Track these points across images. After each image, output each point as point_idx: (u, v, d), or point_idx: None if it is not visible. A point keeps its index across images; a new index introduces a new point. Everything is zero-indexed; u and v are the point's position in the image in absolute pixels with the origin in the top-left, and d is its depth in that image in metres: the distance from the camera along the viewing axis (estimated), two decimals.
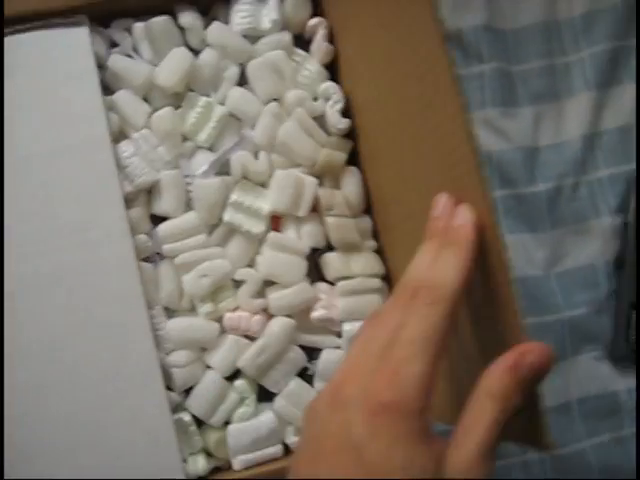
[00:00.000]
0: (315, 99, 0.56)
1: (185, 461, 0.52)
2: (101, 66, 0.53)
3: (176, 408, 0.52)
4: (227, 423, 0.53)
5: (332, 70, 0.57)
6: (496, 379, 0.36)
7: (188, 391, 0.53)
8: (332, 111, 0.54)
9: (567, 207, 0.67)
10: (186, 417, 0.52)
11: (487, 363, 0.36)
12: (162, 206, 0.53)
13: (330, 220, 0.54)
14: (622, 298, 0.66)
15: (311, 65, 0.56)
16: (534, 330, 0.64)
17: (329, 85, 0.55)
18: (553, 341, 0.66)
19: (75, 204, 0.51)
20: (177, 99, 0.55)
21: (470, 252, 0.38)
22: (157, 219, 0.54)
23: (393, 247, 0.55)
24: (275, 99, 0.55)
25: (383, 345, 0.36)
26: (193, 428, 0.52)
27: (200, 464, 0.52)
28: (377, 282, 0.54)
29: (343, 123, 0.54)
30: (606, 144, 0.68)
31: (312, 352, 0.54)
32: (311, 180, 0.54)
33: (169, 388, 0.52)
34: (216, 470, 0.53)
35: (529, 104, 0.68)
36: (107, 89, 0.54)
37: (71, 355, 0.50)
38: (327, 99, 0.55)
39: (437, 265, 0.38)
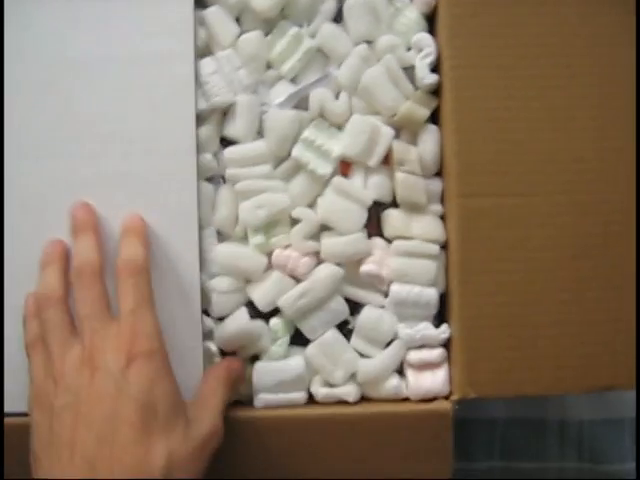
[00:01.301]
0: (409, 49, 0.53)
1: None
2: None
3: (208, 335, 0.52)
4: (255, 359, 0.52)
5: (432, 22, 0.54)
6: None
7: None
8: (421, 64, 0.52)
9: None
10: (213, 347, 0.51)
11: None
12: (233, 129, 0.52)
13: (400, 175, 0.52)
14: None
15: (411, 13, 0.53)
16: None
17: (423, 36, 0.52)
18: None
19: (146, 112, 0.50)
20: (269, 25, 0.53)
21: None
22: (228, 142, 0.53)
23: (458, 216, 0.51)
24: (367, 41, 0.53)
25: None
26: (218, 359, 0.52)
27: None
28: (435, 248, 0.52)
29: (430, 78, 0.52)
30: None
31: (357, 306, 0.53)
32: (387, 130, 0.52)
33: (206, 312, 0.52)
34: (237, 403, 0.53)
35: None
36: (202, 3, 0.53)
37: None
38: (419, 50, 0.52)
39: None
